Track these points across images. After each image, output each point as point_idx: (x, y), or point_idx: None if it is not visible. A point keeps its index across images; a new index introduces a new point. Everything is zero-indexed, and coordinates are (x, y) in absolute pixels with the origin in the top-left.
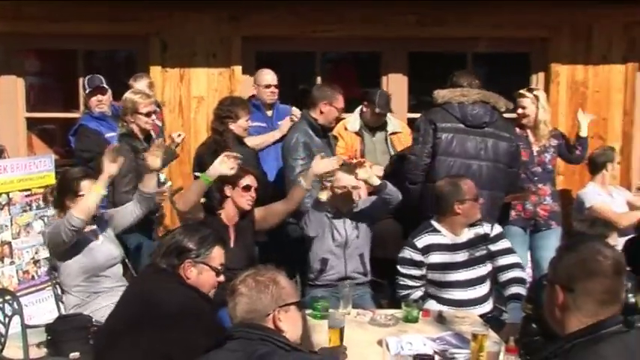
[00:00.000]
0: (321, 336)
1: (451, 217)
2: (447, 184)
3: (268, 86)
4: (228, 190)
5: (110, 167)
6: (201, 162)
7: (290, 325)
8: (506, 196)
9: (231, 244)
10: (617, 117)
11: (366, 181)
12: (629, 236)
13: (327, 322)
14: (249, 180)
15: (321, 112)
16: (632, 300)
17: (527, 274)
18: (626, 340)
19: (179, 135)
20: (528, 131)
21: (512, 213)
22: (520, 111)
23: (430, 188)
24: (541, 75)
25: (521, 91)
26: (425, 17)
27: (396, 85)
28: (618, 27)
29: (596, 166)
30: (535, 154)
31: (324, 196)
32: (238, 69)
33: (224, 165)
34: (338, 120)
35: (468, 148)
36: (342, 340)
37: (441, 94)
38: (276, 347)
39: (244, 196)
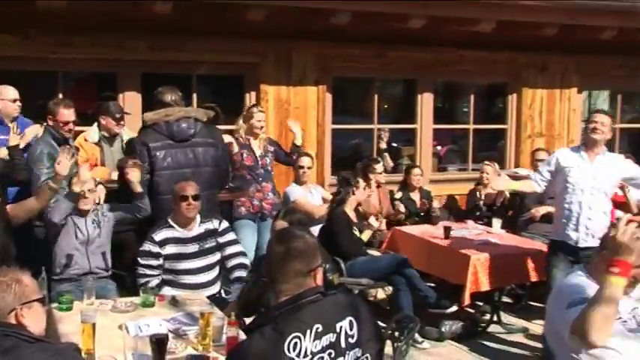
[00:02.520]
0: (67, 326)
1: (175, 215)
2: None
3: (14, 100)
4: None
5: None
6: None
7: (33, 320)
8: (222, 193)
9: None
10: (313, 128)
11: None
12: (322, 224)
13: (80, 317)
14: None
15: (49, 125)
16: (330, 277)
17: (250, 258)
18: (321, 306)
19: None
20: (250, 139)
21: (243, 209)
22: (257, 123)
23: (156, 200)
24: (253, 94)
25: (260, 108)
26: (155, 43)
27: (130, 103)
28: (311, 57)
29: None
30: (258, 158)
31: (77, 187)
32: None
33: None
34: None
35: (179, 160)
36: (94, 333)
37: (149, 117)
38: (19, 340)
39: None
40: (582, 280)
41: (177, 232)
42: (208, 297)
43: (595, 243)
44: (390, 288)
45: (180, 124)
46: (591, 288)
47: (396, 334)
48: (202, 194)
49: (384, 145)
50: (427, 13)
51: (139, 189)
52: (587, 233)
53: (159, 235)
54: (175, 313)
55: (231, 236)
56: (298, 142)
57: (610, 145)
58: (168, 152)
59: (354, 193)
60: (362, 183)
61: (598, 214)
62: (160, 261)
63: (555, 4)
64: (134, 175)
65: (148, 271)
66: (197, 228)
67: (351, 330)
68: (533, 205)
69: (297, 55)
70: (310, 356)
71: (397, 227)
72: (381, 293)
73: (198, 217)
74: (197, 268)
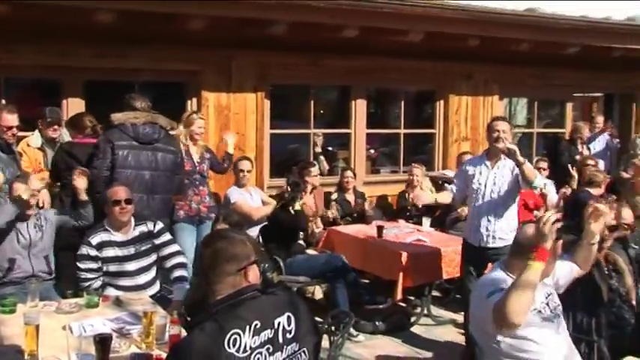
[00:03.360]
0: (10, 329)
1: (110, 219)
2: (106, 194)
3: None
4: None
5: None
6: None
7: None
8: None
9: None
10: (252, 133)
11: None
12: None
13: (23, 319)
14: None
15: None
16: (270, 276)
17: (190, 260)
18: (259, 303)
19: None
20: (190, 145)
21: (182, 213)
22: (197, 129)
23: None
24: (194, 100)
25: (200, 115)
26: (99, 51)
27: (74, 109)
28: (250, 65)
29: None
30: (196, 164)
31: (25, 195)
32: None
33: None
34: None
35: (141, 161)
36: (37, 334)
37: (117, 117)
38: None
39: None
40: (500, 274)
41: (114, 235)
42: (151, 296)
43: (498, 244)
44: (327, 285)
45: (145, 128)
46: (508, 281)
47: (333, 328)
48: (158, 197)
49: (319, 149)
50: (360, 24)
51: (83, 197)
52: (489, 235)
53: (95, 239)
54: (119, 312)
55: (167, 237)
56: (230, 150)
57: (528, 149)
58: (131, 152)
59: (301, 198)
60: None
61: (499, 216)
62: (99, 263)
63: (477, 17)
64: (80, 182)
65: (89, 275)
66: (132, 231)
67: (289, 325)
68: (459, 205)
69: (237, 63)
70: (249, 352)
71: (333, 227)
72: (318, 290)
73: (132, 221)
74: (135, 270)
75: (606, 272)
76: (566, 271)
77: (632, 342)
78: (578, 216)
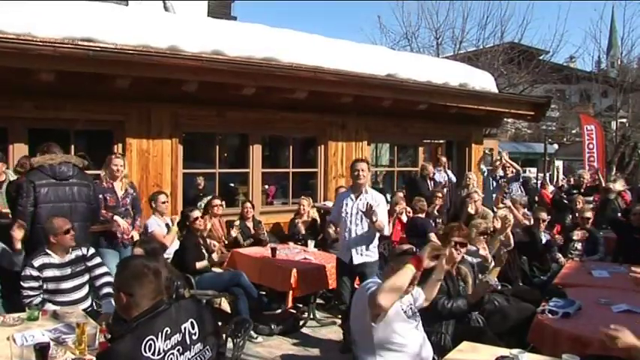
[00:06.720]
0: None
1: (52, 245)
2: (48, 223)
3: None
4: None
5: None
6: None
7: None
8: (93, 225)
9: None
10: (168, 172)
11: None
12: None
13: None
14: None
15: None
16: (182, 291)
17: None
18: (169, 313)
19: None
20: (113, 183)
21: (106, 242)
22: (114, 167)
23: (37, 229)
24: (120, 145)
25: (117, 155)
26: (40, 104)
27: (19, 152)
28: (167, 116)
29: (153, 205)
30: (120, 198)
31: None
32: None
33: None
34: None
35: (59, 195)
36: None
37: (36, 160)
38: None
39: None
40: (375, 280)
41: (53, 258)
42: (84, 310)
43: (363, 260)
44: (231, 297)
45: (61, 167)
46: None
47: (236, 332)
48: (77, 224)
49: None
50: (257, 84)
51: (18, 246)
52: (357, 253)
53: (37, 261)
54: (56, 324)
55: (97, 260)
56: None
57: (390, 183)
58: (50, 189)
59: (193, 224)
60: (198, 215)
61: (362, 238)
62: (40, 282)
63: (349, 80)
64: (18, 234)
65: (31, 292)
66: (69, 255)
67: (193, 329)
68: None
69: (155, 114)
70: (163, 354)
71: (235, 249)
72: (224, 301)
73: None
74: (71, 288)
75: (457, 280)
76: (420, 295)
77: (469, 332)
78: (417, 236)
